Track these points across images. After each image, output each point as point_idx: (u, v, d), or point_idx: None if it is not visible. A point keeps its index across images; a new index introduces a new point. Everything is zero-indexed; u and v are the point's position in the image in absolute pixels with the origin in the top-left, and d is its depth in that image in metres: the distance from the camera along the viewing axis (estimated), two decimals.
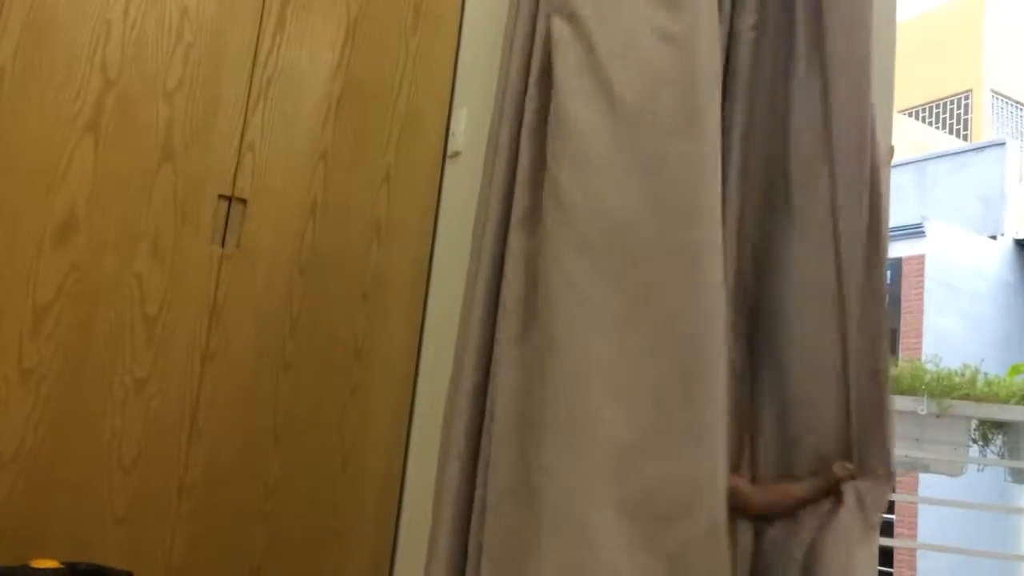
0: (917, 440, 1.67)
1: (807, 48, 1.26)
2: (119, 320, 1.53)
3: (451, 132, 1.91)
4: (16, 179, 1.46)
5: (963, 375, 1.70)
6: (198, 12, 1.64)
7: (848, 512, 1.09)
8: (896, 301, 9.28)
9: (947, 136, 13.32)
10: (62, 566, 1.29)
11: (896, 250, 9.16)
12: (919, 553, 8.18)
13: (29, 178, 1.46)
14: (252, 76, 1.69)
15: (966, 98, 13.81)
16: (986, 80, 13.58)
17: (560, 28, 1.31)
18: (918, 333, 9.15)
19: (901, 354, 8.88)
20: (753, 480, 1.27)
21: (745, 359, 1.31)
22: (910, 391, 1.67)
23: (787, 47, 1.28)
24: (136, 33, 1.57)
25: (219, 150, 1.64)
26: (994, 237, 9.92)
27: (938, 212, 9.81)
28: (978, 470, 1.77)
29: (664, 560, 1.12)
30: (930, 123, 14.01)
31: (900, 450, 1.64)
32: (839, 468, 1.18)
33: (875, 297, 1.19)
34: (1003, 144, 10.55)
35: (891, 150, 1.31)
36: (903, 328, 9.33)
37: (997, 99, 13.74)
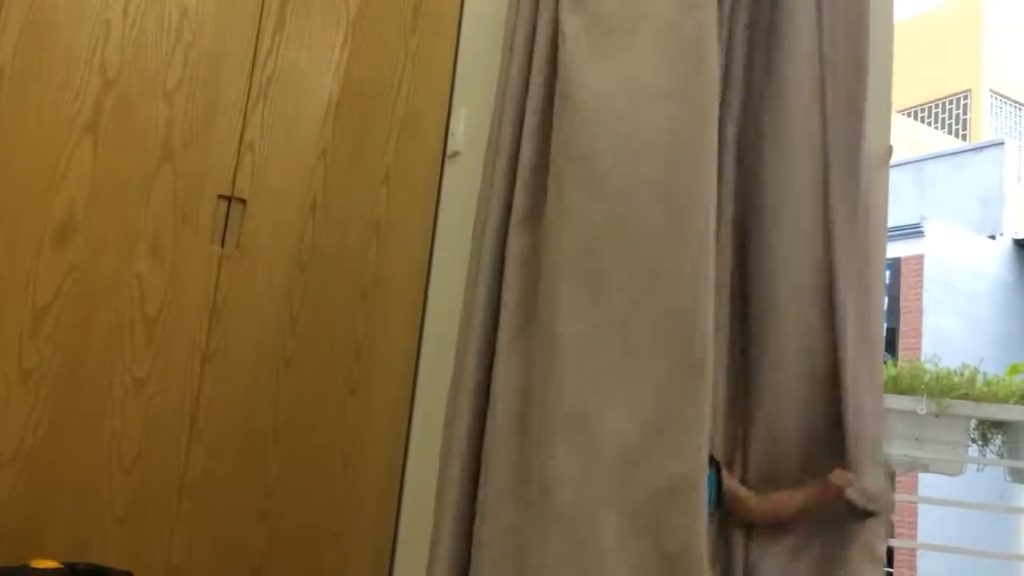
0: (916, 440, 1.67)
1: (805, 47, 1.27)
2: (119, 320, 1.52)
3: (451, 132, 1.91)
4: (15, 180, 1.45)
5: (962, 375, 1.70)
6: (198, 12, 1.64)
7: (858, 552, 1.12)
8: (895, 301, 9.29)
9: (946, 136, 13.32)
10: (62, 566, 1.29)
11: (895, 250, 9.15)
12: (919, 553, 8.18)
13: (28, 179, 1.46)
14: (252, 76, 1.69)
15: (965, 98, 13.82)
16: (985, 80, 13.59)
17: (569, 20, 1.31)
18: (917, 333, 9.15)
19: (900, 354, 8.88)
20: (743, 480, 1.27)
21: (738, 356, 1.31)
22: (909, 391, 1.67)
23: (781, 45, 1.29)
24: (135, 33, 1.57)
25: (219, 150, 1.64)
26: (993, 237, 9.92)
27: (937, 212, 9.81)
28: (977, 470, 1.77)
29: (664, 559, 1.12)
30: (929, 123, 14.01)
31: (899, 450, 1.64)
32: (838, 477, 1.17)
33: (869, 295, 1.19)
34: (1002, 144, 10.55)
35: (890, 150, 1.31)
36: (902, 328, 9.33)
37: (996, 99, 13.75)
